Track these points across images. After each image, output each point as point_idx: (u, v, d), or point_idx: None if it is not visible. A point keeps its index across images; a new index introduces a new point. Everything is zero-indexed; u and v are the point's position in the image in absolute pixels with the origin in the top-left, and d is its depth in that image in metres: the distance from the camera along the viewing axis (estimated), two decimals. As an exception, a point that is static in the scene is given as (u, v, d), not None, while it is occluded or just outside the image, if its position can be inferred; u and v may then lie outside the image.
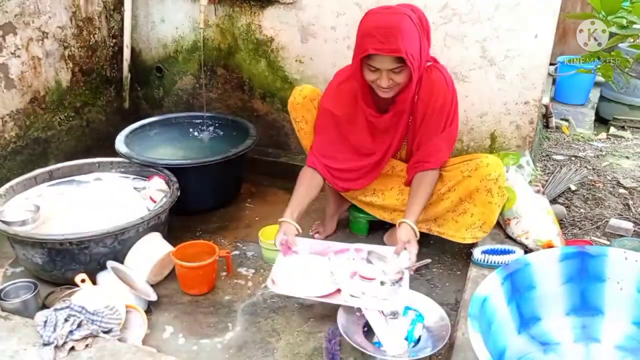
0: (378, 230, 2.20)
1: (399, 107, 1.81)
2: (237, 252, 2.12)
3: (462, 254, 2.13)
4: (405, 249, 1.72)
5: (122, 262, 1.86)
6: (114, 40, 2.85)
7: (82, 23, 2.64)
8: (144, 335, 1.63)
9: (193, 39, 2.79)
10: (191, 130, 2.66)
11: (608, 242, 2.10)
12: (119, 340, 1.51)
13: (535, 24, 2.17)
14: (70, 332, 1.43)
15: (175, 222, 2.22)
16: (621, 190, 2.61)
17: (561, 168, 2.77)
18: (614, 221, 2.22)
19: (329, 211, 2.25)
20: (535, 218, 1.94)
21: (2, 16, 2.21)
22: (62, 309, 1.50)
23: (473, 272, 1.82)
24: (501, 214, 2.02)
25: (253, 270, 2.02)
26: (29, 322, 1.50)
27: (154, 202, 2.04)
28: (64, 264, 1.80)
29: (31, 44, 2.37)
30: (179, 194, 2.04)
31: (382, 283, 1.67)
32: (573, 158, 3.02)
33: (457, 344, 1.49)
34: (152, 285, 1.87)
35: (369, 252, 1.79)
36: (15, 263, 2.00)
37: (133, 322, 1.65)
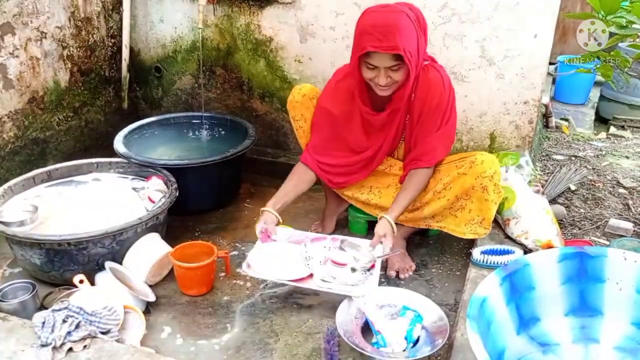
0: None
1: (395, 105, 1.81)
2: (235, 253, 2.12)
3: (461, 254, 2.12)
4: (381, 242, 1.78)
5: (120, 263, 1.86)
6: (112, 40, 2.85)
7: (81, 23, 2.63)
8: (142, 336, 1.62)
9: (192, 39, 2.78)
10: (190, 130, 2.66)
11: (608, 242, 2.10)
12: (117, 341, 1.51)
13: (535, 24, 2.16)
14: (68, 333, 1.43)
15: (174, 223, 2.22)
16: (621, 190, 2.60)
17: (561, 168, 2.76)
18: (613, 221, 2.21)
19: (327, 211, 2.25)
20: (535, 218, 1.93)
21: (0, 16, 2.20)
22: (60, 309, 1.50)
23: (472, 272, 1.81)
24: (500, 214, 2.02)
25: (252, 271, 2.02)
26: (27, 323, 1.50)
27: (153, 202, 2.03)
28: (62, 264, 1.80)
29: (30, 44, 2.37)
30: (177, 194, 2.04)
31: (353, 270, 1.73)
32: (573, 158, 3.01)
33: (456, 345, 1.49)
34: (150, 286, 1.87)
35: (343, 240, 1.86)
36: (14, 264, 2.00)
37: (131, 323, 1.65)
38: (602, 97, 4.03)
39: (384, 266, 2.03)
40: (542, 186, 2.35)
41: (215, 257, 1.85)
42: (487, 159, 1.80)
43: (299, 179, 1.95)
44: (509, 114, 2.35)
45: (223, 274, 1.97)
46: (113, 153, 2.28)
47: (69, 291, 1.75)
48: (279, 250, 1.83)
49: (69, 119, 2.65)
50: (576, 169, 2.73)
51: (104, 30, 2.79)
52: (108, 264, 1.79)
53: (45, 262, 1.80)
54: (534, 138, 2.47)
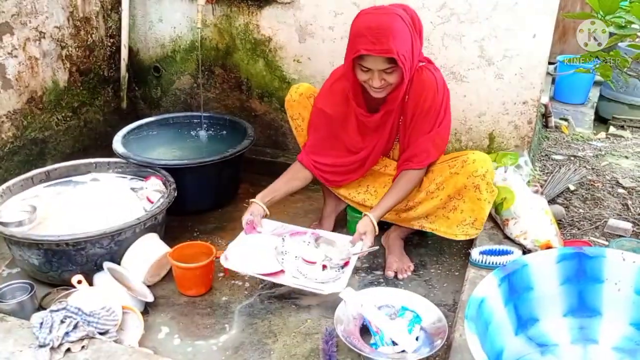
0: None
1: (389, 107, 1.81)
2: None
3: (460, 255, 2.12)
4: (361, 240, 1.80)
5: (118, 263, 1.85)
6: (111, 40, 2.84)
7: (80, 23, 2.63)
8: (141, 337, 1.62)
9: (191, 39, 2.78)
10: (189, 130, 2.65)
11: (606, 243, 2.10)
12: (115, 341, 1.50)
13: (534, 24, 2.16)
14: (66, 333, 1.43)
15: (173, 223, 2.21)
16: (620, 190, 2.60)
17: (560, 168, 2.76)
18: (612, 221, 2.21)
19: (326, 211, 2.24)
20: (534, 218, 1.93)
21: (-2, 16, 2.21)
22: (58, 310, 1.50)
23: (471, 273, 1.81)
24: (499, 214, 2.01)
25: (250, 271, 2.01)
26: (25, 323, 1.49)
27: (151, 202, 2.03)
28: (61, 264, 1.80)
29: (28, 44, 2.36)
30: (176, 194, 2.04)
31: (324, 267, 1.75)
32: (572, 158, 3.01)
33: (455, 346, 1.48)
34: (148, 286, 1.87)
35: (319, 237, 1.87)
36: (12, 264, 2.00)
37: (129, 324, 1.64)
38: (601, 97, 4.02)
39: (383, 266, 2.03)
40: (541, 186, 2.34)
41: (214, 257, 1.84)
42: (479, 158, 1.79)
43: (292, 176, 1.98)
44: (508, 114, 2.34)
45: (222, 274, 1.96)
46: (112, 153, 2.28)
47: (67, 292, 1.74)
48: (258, 244, 1.84)
49: (68, 119, 2.65)
50: (575, 169, 2.73)
51: (103, 30, 2.79)
52: (106, 265, 1.79)
53: (43, 263, 1.80)
54: (533, 138, 2.47)
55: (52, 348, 1.39)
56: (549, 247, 1.83)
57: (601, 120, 3.95)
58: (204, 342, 1.67)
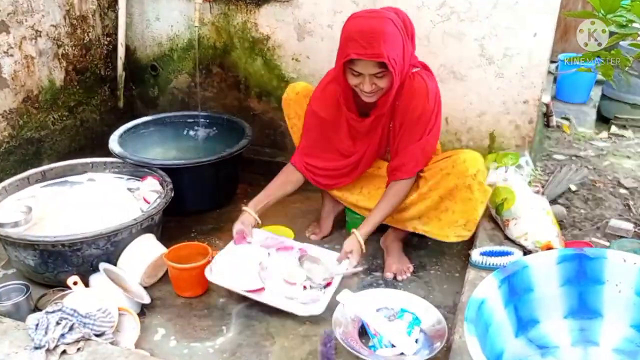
0: (375, 231, 2.17)
1: (379, 111, 1.80)
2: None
3: (460, 256, 2.11)
4: (348, 258, 1.80)
5: (115, 264, 1.84)
6: (108, 39, 2.83)
7: (76, 21, 2.61)
8: (137, 338, 1.61)
9: (188, 37, 2.76)
10: (186, 129, 2.64)
11: (608, 243, 2.08)
12: (112, 343, 1.50)
13: (535, 23, 2.14)
14: (62, 335, 1.42)
15: (170, 223, 2.20)
16: (622, 191, 2.59)
17: (561, 168, 2.75)
18: (614, 222, 2.20)
19: (324, 212, 2.23)
20: (534, 219, 1.92)
21: (-6, 15, 2.19)
22: (54, 312, 1.49)
23: (471, 274, 1.79)
24: (500, 214, 2.00)
25: (248, 272, 2.00)
26: (21, 325, 1.48)
27: (148, 203, 2.02)
28: (56, 265, 1.78)
29: (24, 43, 2.35)
30: (172, 194, 2.02)
31: (305, 287, 1.74)
32: (574, 157, 2.99)
33: (454, 347, 1.47)
34: (145, 288, 1.85)
35: (302, 256, 1.85)
36: (8, 265, 1.98)
37: (126, 325, 1.63)
38: (603, 96, 4.00)
39: (382, 268, 2.01)
40: (542, 186, 2.33)
41: (210, 257, 1.83)
42: (469, 158, 1.77)
43: (284, 180, 1.97)
44: (508, 113, 2.33)
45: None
46: (108, 153, 2.27)
47: (63, 293, 1.73)
48: (246, 256, 1.82)
49: (64, 118, 2.63)
50: (577, 169, 2.72)
51: (100, 29, 2.77)
52: (102, 266, 1.78)
53: (39, 264, 1.79)
54: (534, 138, 2.45)
55: (47, 350, 1.38)
56: (549, 248, 1.82)
57: (603, 120, 3.92)
58: (202, 344, 1.66)
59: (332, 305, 1.67)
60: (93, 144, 2.76)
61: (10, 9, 2.25)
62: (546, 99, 3.44)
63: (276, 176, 1.99)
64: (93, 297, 1.63)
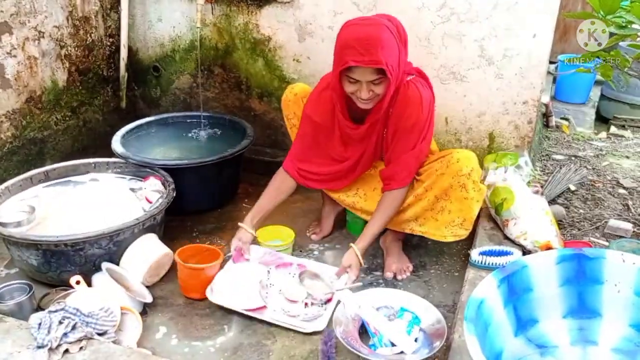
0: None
1: (374, 117, 1.80)
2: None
3: (459, 255, 2.12)
4: (347, 272, 1.81)
5: (117, 264, 1.85)
6: (110, 40, 2.84)
7: (79, 22, 2.63)
8: (139, 337, 1.62)
9: (190, 38, 2.78)
10: (188, 130, 2.65)
11: (607, 243, 2.09)
12: (114, 342, 1.50)
13: (534, 24, 2.15)
14: (65, 334, 1.43)
15: (172, 223, 2.21)
16: (621, 191, 2.60)
17: (560, 168, 2.75)
18: (613, 222, 2.21)
19: (324, 211, 2.24)
20: (534, 219, 1.93)
21: (-3, 16, 2.20)
22: (56, 311, 1.49)
23: (470, 273, 1.80)
24: (499, 214, 2.01)
25: (249, 271, 2.01)
26: (24, 324, 1.49)
27: (150, 202, 2.03)
28: (59, 265, 1.79)
29: (27, 44, 2.36)
30: (175, 194, 2.03)
31: (306, 305, 1.74)
32: (573, 158, 3.00)
33: (454, 347, 1.48)
34: (147, 287, 1.86)
35: (303, 272, 1.85)
36: (11, 264, 1.99)
37: (128, 324, 1.64)
38: (602, 97, 4.01)
39: (382, 267, 2.02)
40: (542, 186, 2.34)
41: (221, 259, 1.83)
42: (463, 157, 1.78)
43: (277, 189, 1.97)
44: (508, 113, 2.34)
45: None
46: (111, 153, 2.28)
47: (65, 292, 1.74)
48: (245, 274, 1.83)
49: (67, 118, 2.64)
50: (576, 169, 2.73)
51: (102, 30, 2.78)
52: (105, 265, 1.79)
53: (42, 263, 1.80)
54: (534, 138, 2.46)
55: (50, 349, 1.39)
56: (549, 247, 1.83)
57: (602, 120, 3.94)
58: (203, 343, 1.67)
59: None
60: (96, 144, 2.77)
61: (13, 10, 2.26)
62: (545, 99, 3.46)
63: (268, 186, 1.98)
64: (95, 297, 1.64)
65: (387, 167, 1.88)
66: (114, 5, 2.80)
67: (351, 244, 1.85)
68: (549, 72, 3.66)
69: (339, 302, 1.70)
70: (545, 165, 2.85)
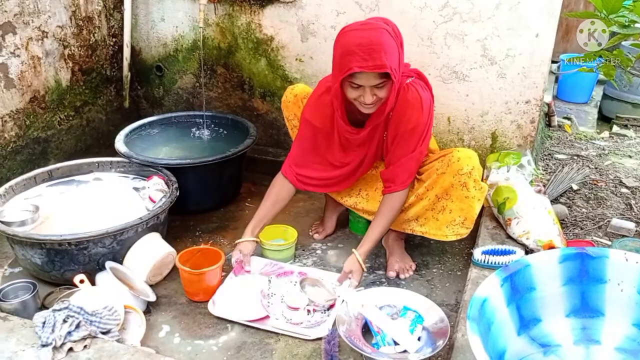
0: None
1: (374, 122, 1.79)
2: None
3: (462, 254, 2.12)
4: (349, 278, 1.81)
5: (121, 263, 1.86)
6: (114, 39, 2.85)
7: (82, 22, 2.63)
8: (143, 336, 1.62)
9: (193, 38, 2.78)
10: (191, 129, 2.66)
11: (610, 243, 2.09)
12: (118, 341, 1.51)
13: (536, 23, 2.15)
14: (69, 333, 1.43)
15: (175, 222, 2.22)
16: (623, 190, 2.59)
17: (563, 167, 2.75)
18: (616, 221, 2.20)
19: (327, 211, 2.25)
20: (536, 218, 1.93)
21: (1, 15, 2.21)
22: (60, 309, 1.50)
23: (473, 272, 1.81)
24: (502, 213, 2.01)
25: (252, 271, 2.01)
26: (28, 322, 1.50)
27: (153, 202, 2.03)
28: (63, 264, 1.80)
29: (31, 44, 2.37)
30: (178, 194, 2.04)
31: (308, 312, 1.74)
32: (575, 157, 3.00)
33: (457, 346, 1.48)
34: (151, 286, 1.87)
35: (304, 279, 1.85)
36: (15, 263, 2.00)
37: (132, 323, 1.65)
38: (605, 96, 4.01)
39: (384, 266, 2.03)
40: (544, 186, 2.34)
41: (223, 262, 1.84)
42: (463, 156, 1.78)
43: (276, 197, 1.97)
44: (510, 113, 2.34)
45: (224, 273, 1.96)
46: (114, 152, 2.29)
47: (69, 291, 1.75)
48: (247, 285, 1.83)
49: (70, 118, 2.65)
50: (578, 169, 2.72)
51: (105, 30, 2.79)
52: (109, 264, 1.79)
53: (46, 262, 1.80)
54: (536, 137, 2.46)
55: (54, 347, 1.39)
56: (551, 247, 1.83)
57: (604, 119, 3.93)
58: (207, 342, 1.67)
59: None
60: (99, 144, 2.78)
61: (17, 10, 2.27)
62: (548, 98, 3.45)
63: (267, 193, 1.98)
64: (99, 295, 1.65)
65: (387, 170, 1.87)
66: (117, 5, 2.80)
67: (353, 250, 1.85)
68: (551, 72, 3.66)
69: (343, 301, 1.70)
70: (547, 165, 2.85)
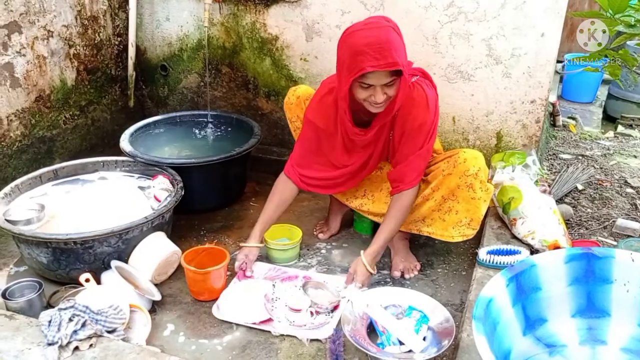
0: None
1: (381, 121, 1.78)
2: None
3: (467, 254, 2.12)
4: (354, 279, 1.81)
5: (126, 262, 1.86)
6: (119, 39, 2.85)
7: (87, 22, 2.64)
8: (148, 335, 1.63)
9: (198, 38, 2.78)
10: (196, 128, 2.66)
11: (615, 243, 2.08)
12: (123, 340, 1.51)
13: (542, 23, 2.15)
14: (75, 331, 1.43)
15: (180, 221, 2.22)
16: (629, 190, 2.59)
17: (568, 167, 2.75)
18: (621, 221, 2.20)
19: (332, 211, 2.24)
20: (541, 218, 1.92)
21: (7, 15, 2.21)
22: (66, 308, 1.50)
23: (478, 272, 1.80)
24: (507, 213, 2.01)
25: (257, 270, 2.01)
26: (34, 321, 1.50)
27: (158, 201, 2.04)
28: (69, 263, 1.81)
29: (36, 43, 2.38)
30: (183, 193, 2.04)
31: (312, 314, 1.74)
32: (580, 157, 2.99)
33: (462, 345, 1.48)
34: (156, 285, 1.87)
35: (307, 282, 1.86)
36: (20, 262, 2.01)
37: (137, 322, 1.65)
38: (610, 96, 4.00)
39: (389, 266, 2.03)
40: (549, 186, 2.33)
41: (228, 261, 1.84)
42: (470, 157, 1.77)
43: (280, 198, 1.96)
44: (515, 113, 2.33)
45: (229, 273, 1.96)
46: (119, 152, 2.29)
47: (75, 290, 1.76)
48: (251, 290, 1.84)
49: (76, 117, 2.66)
50: (583, 168, 2.72)
51: (110, 29, 2.80)
52: (114, 263, 1.80)
53: (51, 261, 1.81)
54: (541, 137, 2.46)
55: (60, 346, 1.40)
56: (557, 247, 1.82)
57: (609, 119, 3.92)
58: (212, 341, 1.67)
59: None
60: (104, 143, 2.79)
61: (23, 9, 2.28)
62: (552, 98, 3.45)
63: (271, 194, 1.97)
64: (105, 294, 1.65)
65: (394, 170, 1.87)
66: (122, 4, 2.81)
67: (362, 251, 1.85)
68: (556, 71, 3.65)
69: (348, 300, 1.70)
70: (552, 165, 2.85)
